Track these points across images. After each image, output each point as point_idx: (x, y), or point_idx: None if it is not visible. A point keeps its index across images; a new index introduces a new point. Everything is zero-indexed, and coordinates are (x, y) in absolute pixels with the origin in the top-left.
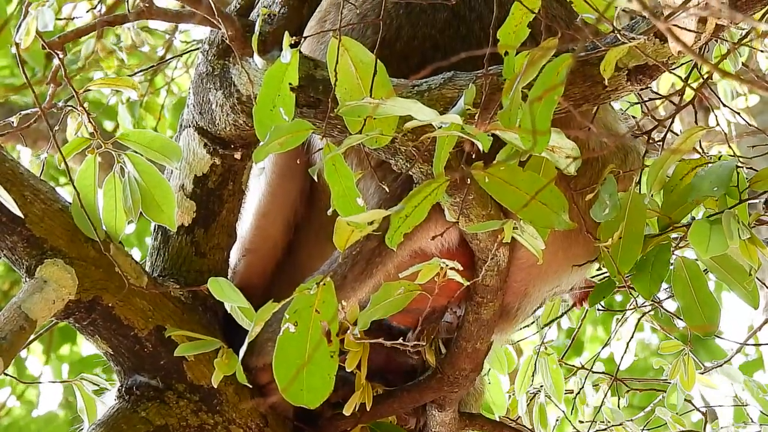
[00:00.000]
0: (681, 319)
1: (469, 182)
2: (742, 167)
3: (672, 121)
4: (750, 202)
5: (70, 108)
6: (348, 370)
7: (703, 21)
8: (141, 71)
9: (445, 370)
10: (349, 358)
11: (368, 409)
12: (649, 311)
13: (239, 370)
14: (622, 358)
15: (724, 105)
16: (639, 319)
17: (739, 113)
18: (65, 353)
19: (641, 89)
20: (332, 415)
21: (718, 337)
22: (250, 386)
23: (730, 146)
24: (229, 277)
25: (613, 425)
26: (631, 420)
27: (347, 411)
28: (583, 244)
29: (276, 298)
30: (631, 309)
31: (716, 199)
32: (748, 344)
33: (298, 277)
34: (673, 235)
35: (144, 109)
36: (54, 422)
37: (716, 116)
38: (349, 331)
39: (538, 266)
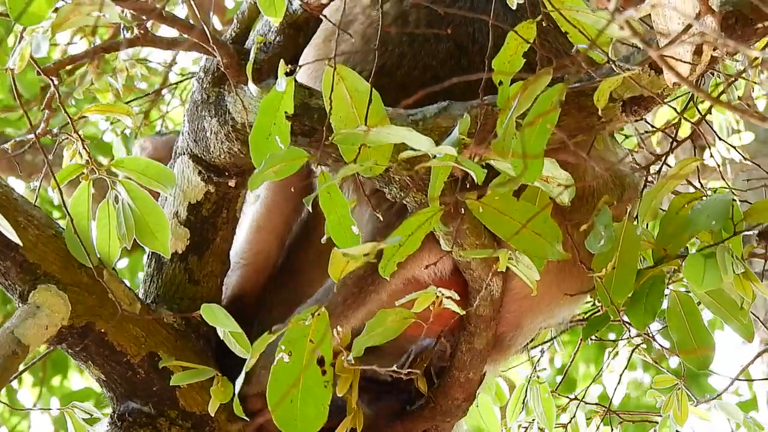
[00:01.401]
0: (674, 353)
1: (463, 212)
2: (736, 200)
3: (668, 155)
4: (744, 234)
5: (64, 135)
6: (339, 395)
7: (698, 52)
8: (136, 99)
9: (438, 399)
10: (340, 383)
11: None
12: (641, 344)
13: (236, 401)
14: (615, 389)
15: (720, 139)
16: (632, 352)
17: (734, 147)
18: (56, 385)
19: (636, 120)
20: None
21: (711, 372)
22: (246, 419)
23: (724, 180)
24: (223, 290)
25: None
26: None
27: None
28: (577, 276)
29: (271, 319)
30: (624, 339)
31: (712, 233)
32: (740, 379)
33: (295, 301)
34: (668, 268)
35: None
36: None
37: (711, 152)
38: (343, 357)
39: (531, 297)
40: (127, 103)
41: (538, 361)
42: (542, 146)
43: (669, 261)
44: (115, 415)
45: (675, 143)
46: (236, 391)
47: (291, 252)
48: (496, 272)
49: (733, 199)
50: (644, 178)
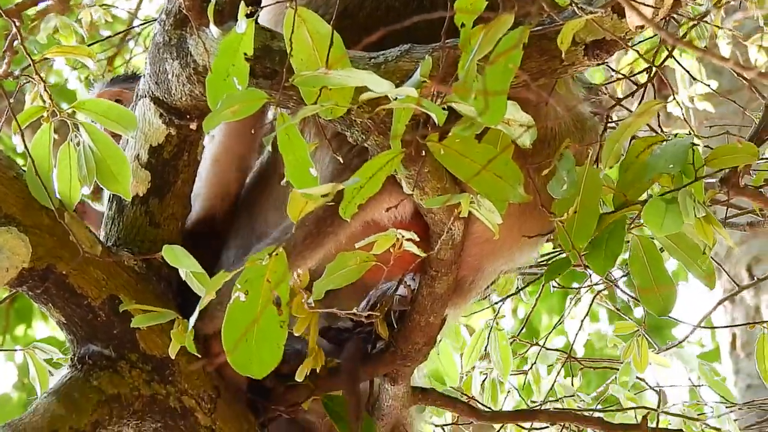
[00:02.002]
0: (635, 299)
1: (424, 154)
2: (698, 146)
3: (628, 97)
4: (706, 181)
5: (26, 78)
6: (297, 335)
7: None
8: (99, 41)
9: (398, 343)
10: (298, 323)
11: (320, 376)
12: (603, 290)
13: (189, 339)
14: (576, 335)
15: (694, 76)
16: (593, 298)
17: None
18: (20, 334)
19: (598, 64)
20: (285, 387)
21: (674, 319)
22: (200, 356)
23: (689, 126)
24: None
25: (565, 397)
26: (584, 400)
27: (299, 377)
28: (538, 220)
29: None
30: (586, 286)
31: (672, 177)
32: (702, 327)
33: (253, 242)
34: (629, 214)
35: None
36: (8, 404)
37: (675, 98)
38: (303, 299)
39: (493, 241)
40: (90, 45)
41: (498, 309)
42: (505, 85)
43: (630, 206)
44: (76, 358)
45: (637, 87)
46: (190, 328)
47: (250, 192)
48: (457, 216)
49: (694, 144)
50: (605, 122)
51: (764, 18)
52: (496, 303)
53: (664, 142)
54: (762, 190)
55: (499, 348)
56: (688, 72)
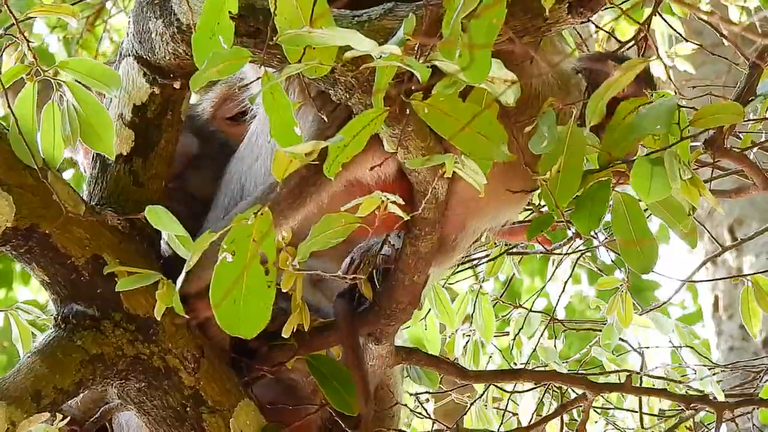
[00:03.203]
0: (618, 255)
1: (408, 113)
2: (684, 107)
3: (612, 54)
4: (691, 143)
5: (10, 38)
6: (284, 291)
7: None
8: (80, 1)
9: (382, 302)
10: (284, 280)
11: (306, 333)
12: (586, 251)
13: (176, 300)
14: (559, 297)
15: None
16: (576, 260)
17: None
18: (1, 297)
19: (582, 23)
20: (269, 347)
21: (656, 280)
22: (188, 317)
23: (674, 86)
24: None
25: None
26: (567, 361)
27: (286, 333)
28: (522, 179)
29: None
30: (568, 253)
31: (657, 137)
32: (688, 281)
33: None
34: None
35: (80, 46)
36: None
37: (658, 54)
38: (288, 262)
39: (477, 199)
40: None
41: (482, 277)
42: (490, 39)
43: (615, 165)
44: (59, 318)
45: (621, 44)
46: (177, 289)
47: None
48: (441, 175)
49: (679, 105)
50: (587, 80)
51: None
52: (478, 265)
53: (650, 103)
54: (746, 152)
55: (482, 311)
56: (673, 29)
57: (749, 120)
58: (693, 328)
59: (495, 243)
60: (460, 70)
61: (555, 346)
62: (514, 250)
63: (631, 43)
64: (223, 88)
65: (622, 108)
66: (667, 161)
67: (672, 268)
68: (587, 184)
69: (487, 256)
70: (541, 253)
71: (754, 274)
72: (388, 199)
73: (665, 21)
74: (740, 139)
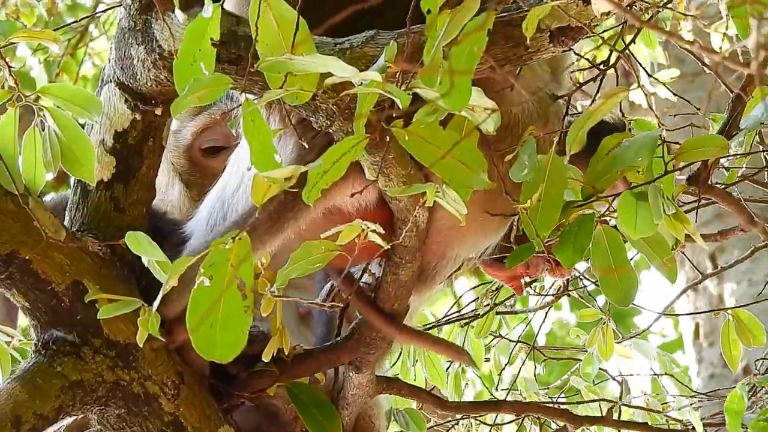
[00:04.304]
0: (596, 286)
1: (389, 140)
2: (667, 142)
3: (589, 82)
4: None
5: None
6: (264, 315)
7: None
8: (62, 27)
9: (362, 330)
10: (264, 304)
11: (287, 360)
12: (567, 291)
13: (154, 325)
14: (540, 326)
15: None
16: (560, 295)
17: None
18: None
19: (563, 51)
20: (249, 373)
21: (637, 307)
22: (164, 340)
23: (655, 115)
24: None
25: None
26: (547, 388)
27: (266, 358)
28: (502, 208)
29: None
30: (553, 295)
31: (640, 171)
32: (665, 314)
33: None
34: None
35: (61, 70)
36: None
37: (639, 83)
38: (266, 289)
39: (457, 228)
40: (55, 30)
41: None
42: (470, 66)
43: (598, 198)
44: (39, 344)
45: (600, 71)
46: (154, 312)
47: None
48: (422, 204)
49: (663, 139)
50: (566, 106)
51: (726, 6)
52: (469, 323)
53: (633, 136)
54: (731, 188)
55: (471, 345)
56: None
57: (732, 155)
58: (674, 356)
59: (483, 303)
60: (440, 97)
61: (535, 374)
62: (502, 309)
63: (607, 69)
64: (204, 118)
65: (606, 142)
66: (651, 196)
67: (653, 295)
68: (569, 216)
69: (475, 314)
70: (529, 310)
71: (736, 307)
72: (368, 227)
73: (649, 40)
74: (726, 172)
